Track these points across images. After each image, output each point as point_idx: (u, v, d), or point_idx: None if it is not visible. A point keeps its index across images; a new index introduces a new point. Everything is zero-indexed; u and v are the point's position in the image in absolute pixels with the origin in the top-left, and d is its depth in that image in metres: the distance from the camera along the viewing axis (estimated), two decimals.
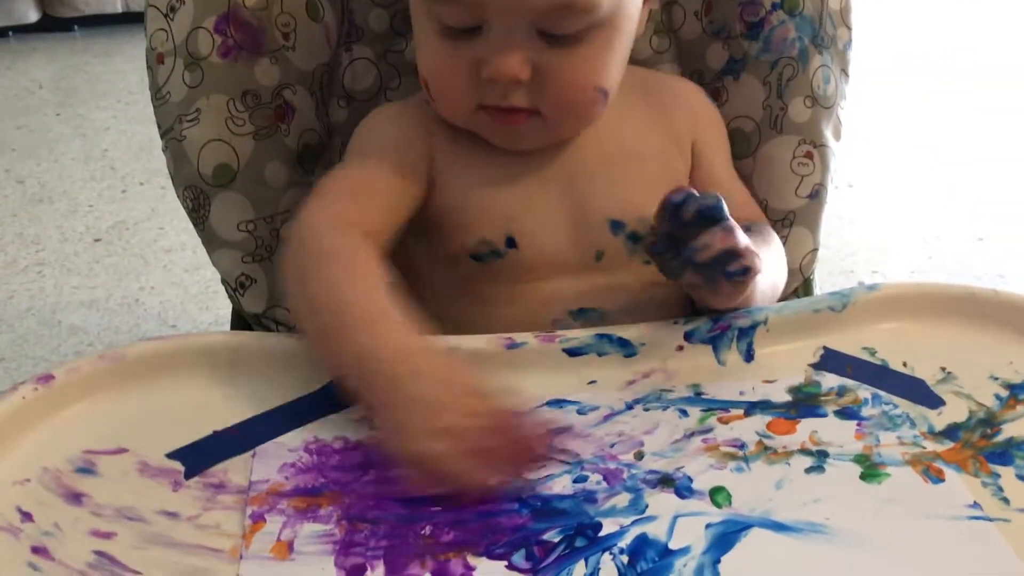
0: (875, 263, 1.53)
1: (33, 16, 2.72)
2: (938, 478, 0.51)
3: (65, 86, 2.35)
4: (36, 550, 0.47)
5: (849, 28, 0.75)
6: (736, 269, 0.55)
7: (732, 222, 0.55)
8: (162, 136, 0.71)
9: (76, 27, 2.81)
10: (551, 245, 0.67)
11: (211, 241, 0.71)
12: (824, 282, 1.34)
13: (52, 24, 2.77)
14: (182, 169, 0.70)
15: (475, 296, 0.69)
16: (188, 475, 0.52)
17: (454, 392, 0.51)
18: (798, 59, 0.73)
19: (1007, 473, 0.51)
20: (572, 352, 0.60)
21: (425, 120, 0.68)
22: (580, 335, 0.60)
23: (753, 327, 0.61)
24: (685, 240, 0.55)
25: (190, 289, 1.41)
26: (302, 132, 0.72)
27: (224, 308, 0.67)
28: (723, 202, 0.55)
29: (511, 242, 0.66)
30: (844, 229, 1.62)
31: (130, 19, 2.80)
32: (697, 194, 0.55)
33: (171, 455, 0.53)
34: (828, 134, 0.74)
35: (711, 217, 0.55)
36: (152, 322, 1.33)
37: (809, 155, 0.74)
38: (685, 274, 0.57)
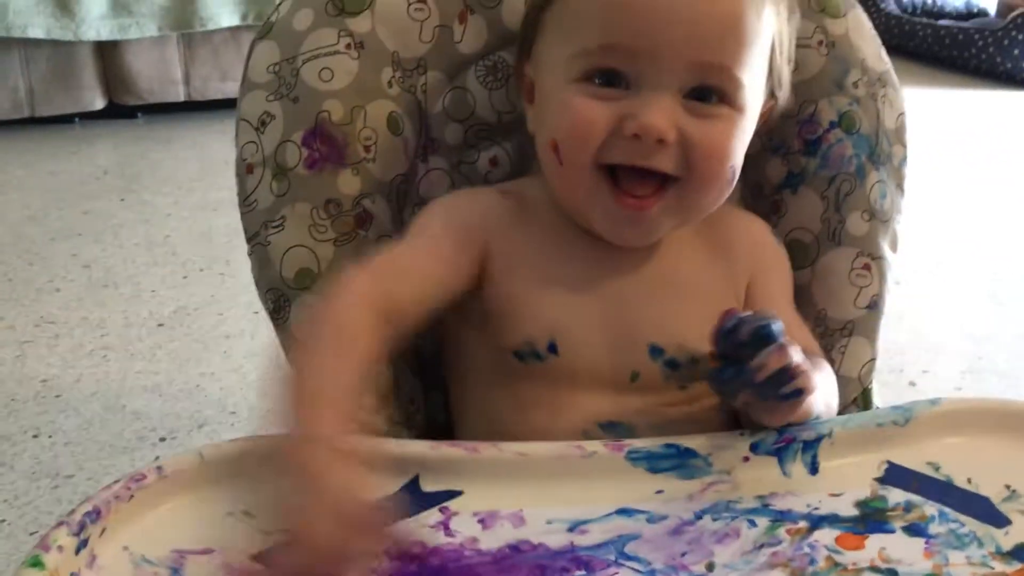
0: (925, 363, 1.53)
1: (100, 103, 2.83)
2: None
3: (129, 172, 2.44)
4: None
5: (904, 146, 0.78)
6: (790, 391, 0.58)
7: (786, 340, 0.58)
8: (248, 241, 0.75)
9: (140, 114, 2.93)
10: (590, 358, 0.68)
11: (290, 343, 0.74)
12: (874, 380, 1.35)
13: (117, 111, 2.88)
14: (266, 272, 0.74)
15: (512, 395, 0.71)
16: None
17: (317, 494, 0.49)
18: (855, 175, 0.76)
19: None
20: (639, 460, 0.61)
21: (491, 211, 0.71)
22: (647, 444, 0.62)
23: (818, 440, 0.63)
24: (741, 361, 0.58)
25: (248, 376, 1.44)
26: (379, 238, 0.76)
27: None
28: (778, 321, 0.58)
29: (553, 347, 0.68)
30: (893, 327, 1.61)
31: (192, 107, 2.91)
32: (751, 315, 0.58)
33: (256, 556, 0.55)
34: (885, 246, 0.77)
35: (766, 336, 0.57)
36: (212, 408, 1.36)
37: (867, 267, 0.76)
38: (740, 394, 0.60)
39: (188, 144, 2.66)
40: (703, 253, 0.72)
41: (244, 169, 0.75)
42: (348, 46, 0.74)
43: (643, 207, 0.65)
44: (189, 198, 2.22)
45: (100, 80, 2.81)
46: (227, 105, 2.82)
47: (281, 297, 0.73)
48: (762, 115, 0.69)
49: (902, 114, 0.78)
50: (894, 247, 0.78)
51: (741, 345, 0.57)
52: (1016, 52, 3.29)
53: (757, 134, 0.78)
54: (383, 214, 0.76)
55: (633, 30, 0.61)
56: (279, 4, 0.77)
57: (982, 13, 3.92)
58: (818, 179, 0.77)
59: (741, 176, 0.80)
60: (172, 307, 1.68)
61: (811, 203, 0.77)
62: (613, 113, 0.63)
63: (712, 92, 0.63)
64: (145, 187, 2.32)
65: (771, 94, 0.69)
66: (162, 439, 1.29)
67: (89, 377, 1.46)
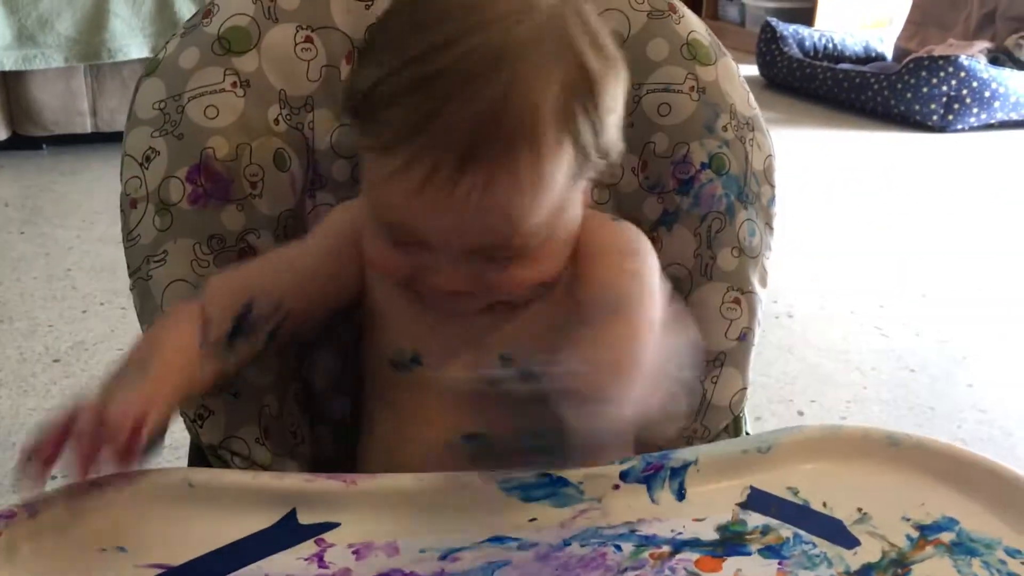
0: (813, 393, 1.59)
1: (2, 134, 2.77)
2: None
3: (31, 204, 2.39)
4: None
5: (772, 186, 0.82)
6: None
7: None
8: (130, 275, 0.75)
9: (45, 145, 2.87)
10: (450, 367, 0.71)
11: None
12: (764, 410, 1.40)
13: (21, 142, 2.82)
14: (147, 307, 0.74)
15: (391, 406, 0.75)
16: None
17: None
18: (726, 213, 0.79)
19: None
20: (513, 490, 0.63)
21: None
22: (522, 475, 0.64)
23: (684, 467, 0.65)
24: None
25: None
26: None
27: (178, 433, 0.70)
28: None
29: (416, 359, 0.72)
30: (783, 359, 1.68)
31: (99, 139, 2.86)
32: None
33: None
34: (755, 281, 0.80)
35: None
36: None
37: (737, 300, 0.80)
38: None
39: (94, 176, 2.62)
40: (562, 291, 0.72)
41: (128, 204, 0.75)
42: (234, 84, 0.75)
43: (457, 302, 0.67)
44: (93, 231, 2.19)
45: (3, 110, 2.76)
46: None
47: None
48: (588, 189, 0.70)
49: (770, 156, 0.82)
50: (764, 282, 0.81)
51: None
52: (908, 95, 3.45)
53: (633, 172, 0.82)
54: (267, 249, 0.77)
55: (414, 224, 0.62)
56: (166, 43, 0.78)
57: (880, 57, 4.11)
58: (691, 217, 0.80)
59: (620, 213, 0.84)
60: (69, 342, 1.64)
61: (685, 240, 0.80)
62: (411, 263, 0.65)
63: (507, 248, 0.63)
64: (47, 220, 2.27)
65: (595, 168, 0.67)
66: (54, 477, 1.26)
67: None
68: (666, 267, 0.81)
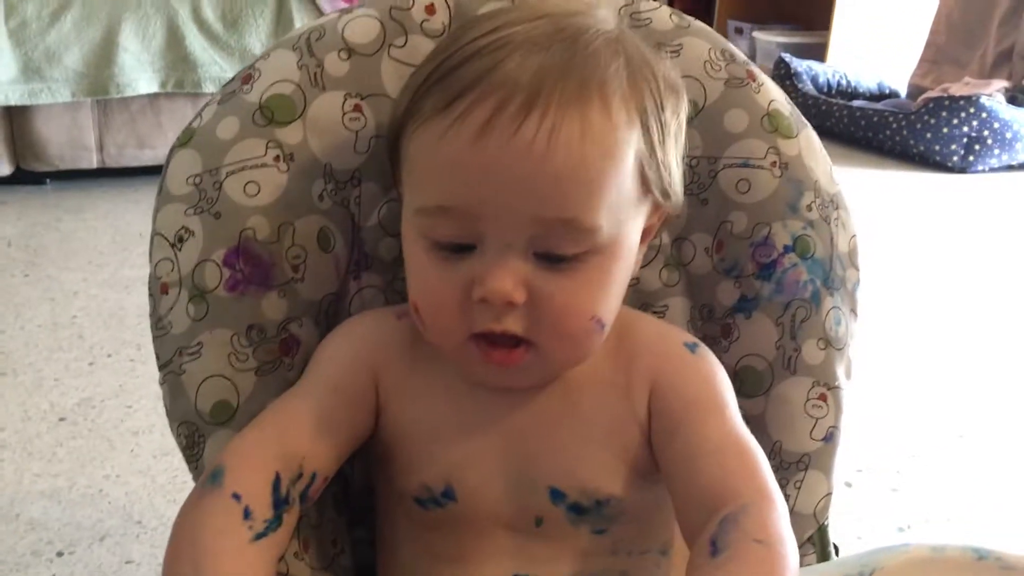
0: (860, 462, 1.52)
1: (5, 169, 2.71)
2: None
3: (34, 244, 2.32)
4: None
5: (857, 269, 0.76)
6: None
7: None
8: (160, 368, 0.68)
9: (48, 181, 2.81)
10: (489, 502, 0.64)
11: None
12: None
13: (24, 177, 2.75)
14: (179, 404, 0.67)
15: (422, 546, 0.67)
16: None
17: None
18: (811, 301, 0.73)
19: None
20: None
21: (383, 339, 0.67)
22: None
23: None
24: None
25: (157, 478, 1.34)
26: (305, 366, 0.70)
27: None
28: None
29: (449, 493, 0.64)
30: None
31: (105, 174, 2.80)
32: None
33: None
34: (841, 375, 0.74)
35: None
36: (116, 517, 1.26)
37: (823, 397, 0.73)
38: None
39: (101, 214, 2.55)
40: (605, 380, 0.65)
41: (158, 288, 0.68)
42: (277, 158, 0.69)
43: (511, 362, 0.60)
44: (99, 274, 2.11)
45: (7, 145, 2.69)
46: (143, 173, 2.75)
47: (195, 432, 0.66)
48: (647, 230, 0.64)
49: (854, 236, 0.76)
50: (849, 374, 0.74)
51: None
52: (928, 135, 3.40)
53: (707, 253, 0.76)
54: (311, 338, 0.70)
55: (467, 193, 0.56)
56: (201, 110, 0.71)
57: (893, 94, 4.07)
58: (772, 305, 0.73)
59: (691, 297, 0.77)
60: (76, 398, 1.57)
61: (765, 329, 0.73)
62: (462, 281, 0.58)
63: (566, 235, 0.57)
64: (52, 261, 2.20)
65: (655, 206, 0.63)
66: (59, 554, 1.18)
67: None
68: (744, 358, 0.74)
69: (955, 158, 3.37)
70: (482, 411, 0.65)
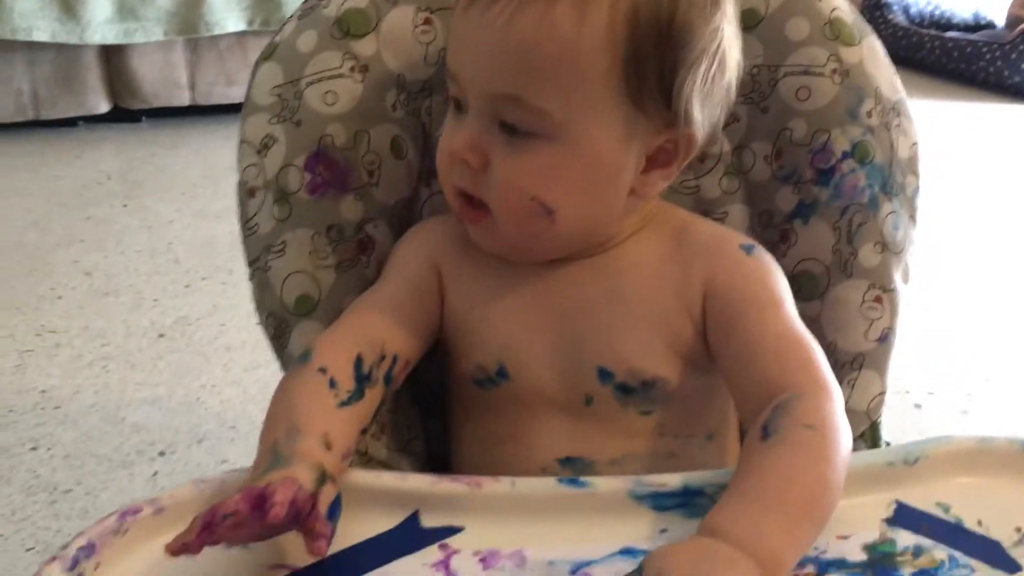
0: (931, 384, 1.52)
1: (104, 107, 2.83)
2: None
3: (132, 178, 2.44)
4: None
5: (917, 176, 0.77)
6: None
7: None
8: (249, 264, 0.74)
9: (144, 118, 2.92)
10: (540, 380, 0.68)
11: (289, 368, 0.73)
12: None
13: (121, 115, 2.88)
14: (266, 297, 0.72)
15: (480, 427, 0.71)
16: None
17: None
18: (868, 206, 0.74)
19: None
20: (644, 499, 0.60)
21: (444, 237, 0.72)
22: (653, 481, 0.61)
23: None
24: None
25: (249, 389, 1.43)
26: (381, 264, 0.75)
27: None
28: None
29: (503, 372, 0.69)
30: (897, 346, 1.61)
31: (196, 112, 2.91)
32: None
33: None
34: (897, 278, 0.75)
35: None
36: (212, 422, 1.35)
37: (879, 299, 0.75)
38: None
39: (193, 149, 2.66)
40: (658, 267, 0.68)
41: (246, 193, 0.73)
42: (352, 69, 0.73)
43: (471, 219, 0.67)
44: (192, 205, 2.22)
45: (104, 84, 2.81)
46: (232, 110, 2.83)
47: (282, 323, 0.72)
48: (659, 151, 0.65)
49: (915, 144, 0.77)
50: (906, 279, 0.76)
51: None
52: None
53: (766, 160, 0.78)
54: (385, 239, 0.75)
55: (455, 58, 0.64)
56: (283, 25, 0.76)
57: (990, 25, 3.91)
58: (830, 209, 0.75)
59: (751, 204, 0.79)
60: (173, 317, 1.67)
61: (822, 234, 0.76)
62: (455, 138, 0.65)
63: (515, 109, 0.61)
64: (148, 193, 2.31)
65: (667, 127, 0.64)
66: (161, 453, 1.28)
67: (88, 388, 1.45)
68: (801, 262, 0.77)
69: None
70: (529, 293, 0.69)
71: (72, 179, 2.39)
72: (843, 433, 0.58)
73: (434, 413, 0.80)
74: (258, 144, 0.73)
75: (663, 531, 0.59)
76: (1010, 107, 3.26)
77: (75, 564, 0.53)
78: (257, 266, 0.73)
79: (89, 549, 0.55)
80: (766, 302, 0.66)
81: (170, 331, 1.62)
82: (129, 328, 1.64)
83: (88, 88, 2.77)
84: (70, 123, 2.82)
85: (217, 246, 1.94)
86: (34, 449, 1.32)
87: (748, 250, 0.69)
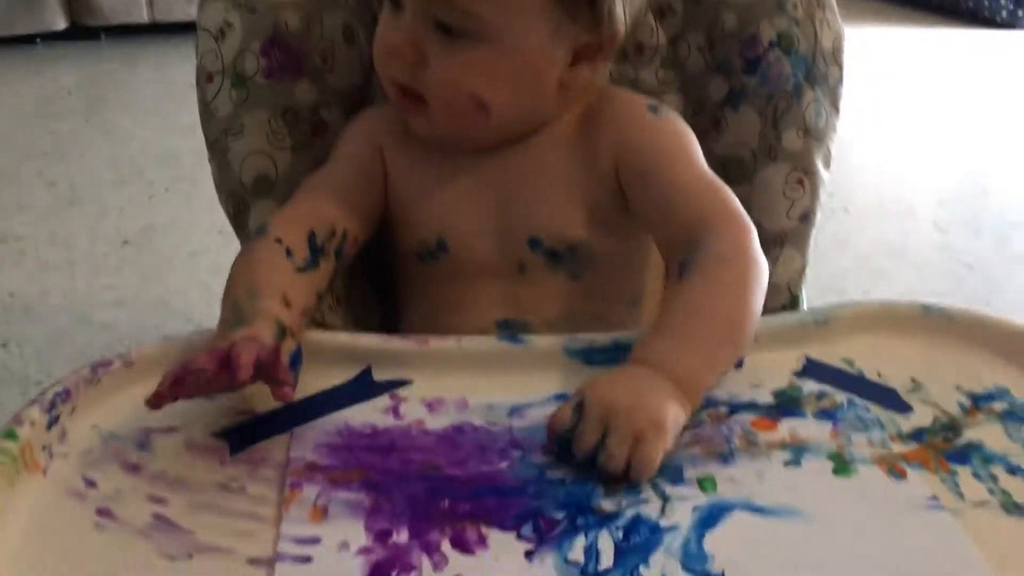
0: (867, 286, 1.59)
1: (61, 24, 2.80)
2: (901, 476, 0.57)
3: (93, 93, 2.43)
4: (101, 511, 0.53)
5: (840, 67, 0.82)
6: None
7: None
8: (209, 147, 0.77)
9: (103, 35, 2.89)
10: (477, 251, 0.74)
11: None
12: (816, 300, 1.40)
13: (79, 32, 2.84)
14: (225, 178, 0.77)
15: (424, 298, 0.77)
16: (232, 452, 0.58)
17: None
18: (792, 94, 0.80)
19: (964, 472, 0.57)
20: (575, 354, 0.66)
21: (381, 124, 0.76)
22: (585, 339, 0.66)
23: None
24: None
25: (214, 291, 1.46)
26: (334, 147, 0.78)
27: None
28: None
29: (443, 244, 0.74)
30: (838, 252, 1.68)
31: (156, 29, 2.88)
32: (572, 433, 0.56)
33: (217, 434, 0.59)
34: (819, 163, 0.81)
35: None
36: (179, 321, 1.40)
37: (800, 181, 0.80)
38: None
39: (152, 67, 2.64)
40: (573, 139, 0.74)
41: (204, 78, 0.77)
42: None
43: (408, 110, 0.71)
44: (154, 120, 2.22)
45: (61, 1, 2.77)
46: (193, 28, 2.81)
47: (240, 202, 0.76)
48: (584, 48, 0.69)
49: (839, 36, 0.81)
50: (827, 164, 0.82)
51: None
52: None
53: (700, 51, 0.82)
54: (339, 123, 0.79)
55: None
56: None
57: None
58: (757, 97, 0.80)
59: (685, 94, 0.84)
60: (138, 226, 1.69)
61: (750, 120, 0.81)
62: (394, 34, 0.68)
63: (450, 8, 0.65)
64: (109, 108, 2.31)
65: (590, 29, 0.68)
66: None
67: (56, 291, 1.48)
68: (731, 147, 0.82)
69: (1004, 13, 3.29)
70: (466, 173, 0.74)
71: (33, 95, 2.39)
72: (758, 261, 0.64)
73: (390, 290, 0.85)
74: (215, 31, 0.76)
75: None
76: (959, 31, 3.29)
77: (52, 407, 0.58)
78: (216, 147, 0.77)
79: (65, 395, 0.59)
80: (675, 153, 0.72)
81: (135, 239, 1.65)
82: (94, 236, 1.67)
83: (45, 5, 2.73)
84: (28, 40, 2.78)
85: (180, 158, 1.96)
86: (4, 346, 1.35)
87: (654, 110, 0.74)
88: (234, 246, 0.75)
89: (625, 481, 0.55)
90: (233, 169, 0.76)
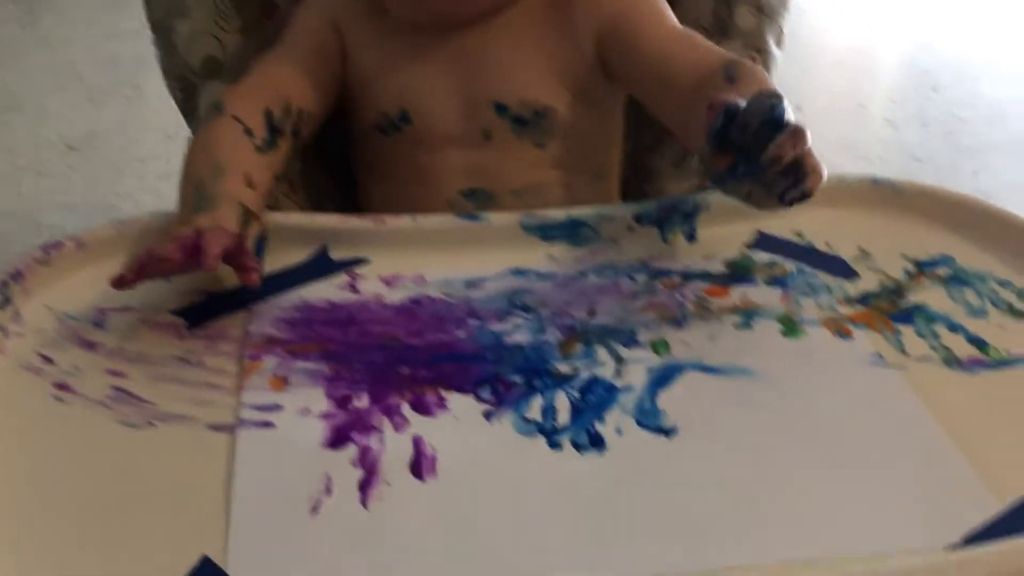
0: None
1: None
2: (847, 335, 0.59)
3: (27, 2, 2.34)
4: (59, 385, 0.53)
5: None
6: (797, 194, 0.53)
7: (796, 120, 0.51)
8: (152, 29, 0.75)
9: None
10: (441, 120, 0.73)
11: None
12: None
13: None
14: (172, 60, 0.75)
15: (387, 173, 0.76)
16: (191, 327, 0.58)
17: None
18: None
19: (908, 331, 0.59)
20: (533, 230, 0.66)
21: (337, 1, 0.74)
22: (542, 215, 0.67)
23: (696, 211, 0.68)
24: (747, 151, 0.51)
25: (165, 196, 1.44)
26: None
27: None
28: (782, 101, 0.51)
29: (405, 116, 0.73)
30: None
31: None
32: (753, 99, 0.51)
33: (175, 311, 0.59)
34: (771, 41, 0.81)
35: (776, 122, 0.50)
36: None
37: (752, 60, 0.80)
38: (743, 188, 0.55)
39: None
40: (543, 12, 0.73)
41: None
42: None
43: None
44: (93, 27, 2.15)
45: None
46: None
47: (188, 85, 0.75)
48: None
49: None
50: (780, 43, 0.82)
51: (748, 136, 0.51)
52: None
53: None
54: (289, 5, 0.77)
55: None
56: None
57: None
58: None
59: None
60: (83, 131, 1.65)
61: None
62: None
63: None
64: (45, 13, 2.23)
65: None
66: None
67: (1, 196, 1.45)
68: (684, 24, 0.81)
69: None
70: (428, 43, 0.73)
71: None
72: None
73: (345, 179, 0.85)
74: None
75: (550, 257, 0.65)
76: None
77: (4, 287, 0.58)
78: (160, 28, 0.75)
79: (17, 276, 0.59)
80: (657, 14, 0.72)
81: (80, 144, 1.61)
82: (37, 141, 1.62)
83: None
84: None
85: (120, 64, 1.90)
86: None
87: None
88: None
89: (793, 179, 0.52)
90: (179, 51, 0.74)
